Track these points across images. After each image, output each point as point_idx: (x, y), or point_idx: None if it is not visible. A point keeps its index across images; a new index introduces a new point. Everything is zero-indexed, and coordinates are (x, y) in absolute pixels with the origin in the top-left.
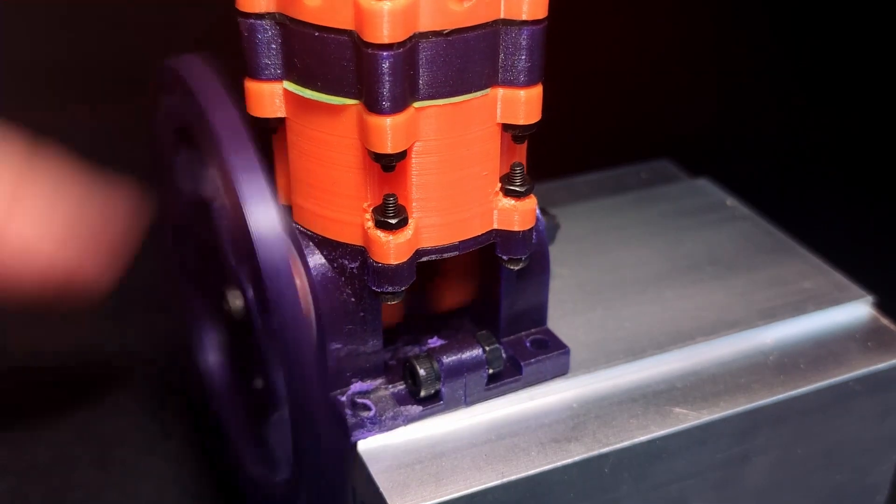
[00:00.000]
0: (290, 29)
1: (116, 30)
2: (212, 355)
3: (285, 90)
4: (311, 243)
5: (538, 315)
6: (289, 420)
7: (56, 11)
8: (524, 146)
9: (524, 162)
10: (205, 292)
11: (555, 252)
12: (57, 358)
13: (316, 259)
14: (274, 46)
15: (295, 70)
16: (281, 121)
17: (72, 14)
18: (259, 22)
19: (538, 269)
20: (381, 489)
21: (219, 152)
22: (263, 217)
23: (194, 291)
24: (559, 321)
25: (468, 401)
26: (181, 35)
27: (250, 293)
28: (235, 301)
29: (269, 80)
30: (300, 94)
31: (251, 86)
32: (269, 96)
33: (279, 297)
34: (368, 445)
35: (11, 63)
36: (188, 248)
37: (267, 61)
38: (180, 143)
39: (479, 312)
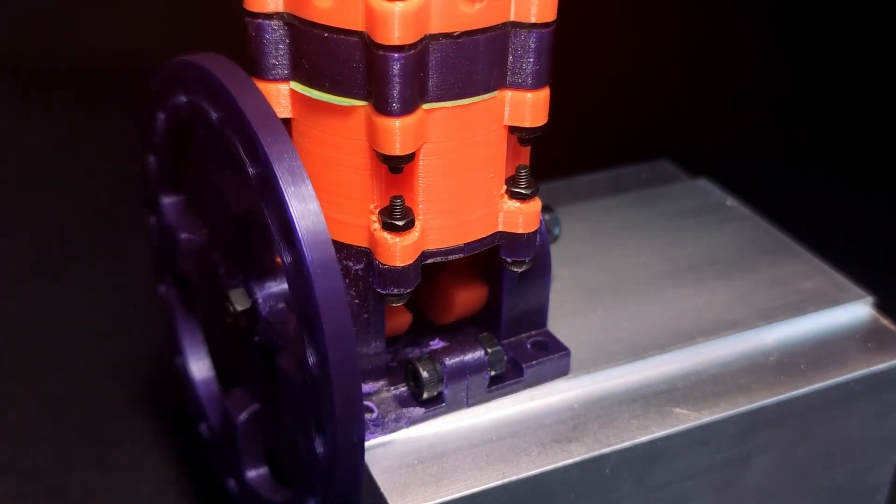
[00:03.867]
0: (299, 29)
1: (112, 29)
2: (198, 360)
3: (292, 90)
4: None
5: (539, 317)
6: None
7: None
8: (528, 148)
9: (528, 164)
10: (197, 294)
11: (555, 252)
12: (57, 358)
13: None
14: (282, 47)
15: (303, 70)
16: (287, 121)
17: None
18: (267, 22)
19: (540, 271)
20: (382, 489)
21: (256, 147)
22: (307, 210)
23: (184, 294)
24: (559, 321)
25: (470, 403)
26: (167, 36)
27: (264, 293)
28: (240, 303)
29: (276, 80)
30: (308, 94)
31: (258, 86)
32: (276, 97)
33: (328, 290)
34: (369, 445)
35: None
36: (187, 248)
37: (274, 61)
38: (184, 144)
39: (480, 314)
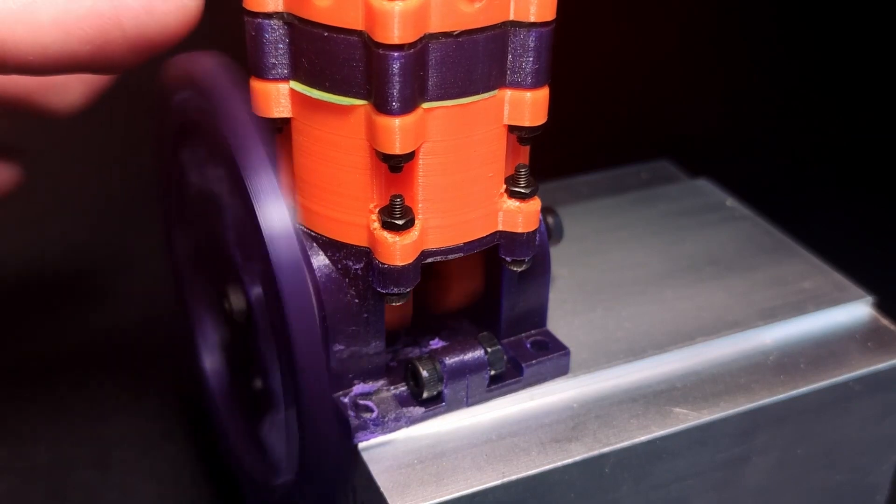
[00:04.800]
0: (299, 29)
1: None
2: (211, 356)
3: (292, 90)
4: (314, 244)
5: (538, 316)
6: (290, 421)
7: None
8: (528, 148)
9: (528, 163)
10: (205, 291)
11: (555, 252)
12: (57, 358)
13: (320, 260)
14: (281, 46)
15: (302, 70)
16: (286, 121)
17: None
18: (267, 21)
19: (539, 270)
20: (382, 489)
21: (230, 148)
22: (275, 213)
23: (194, 290)
24: (559, 321)
25: (469, 402)
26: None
27: (255, 291)
28: (237, 300)
29: (275, 79)
30: (307, 94)
31: (257, 85)
32: (276, 96)
33: (291, 293)
34: (368, 445)
35: None
36: (189, 246)
37: (274, 61)
38: (186, 141)
39: (479, 313)
